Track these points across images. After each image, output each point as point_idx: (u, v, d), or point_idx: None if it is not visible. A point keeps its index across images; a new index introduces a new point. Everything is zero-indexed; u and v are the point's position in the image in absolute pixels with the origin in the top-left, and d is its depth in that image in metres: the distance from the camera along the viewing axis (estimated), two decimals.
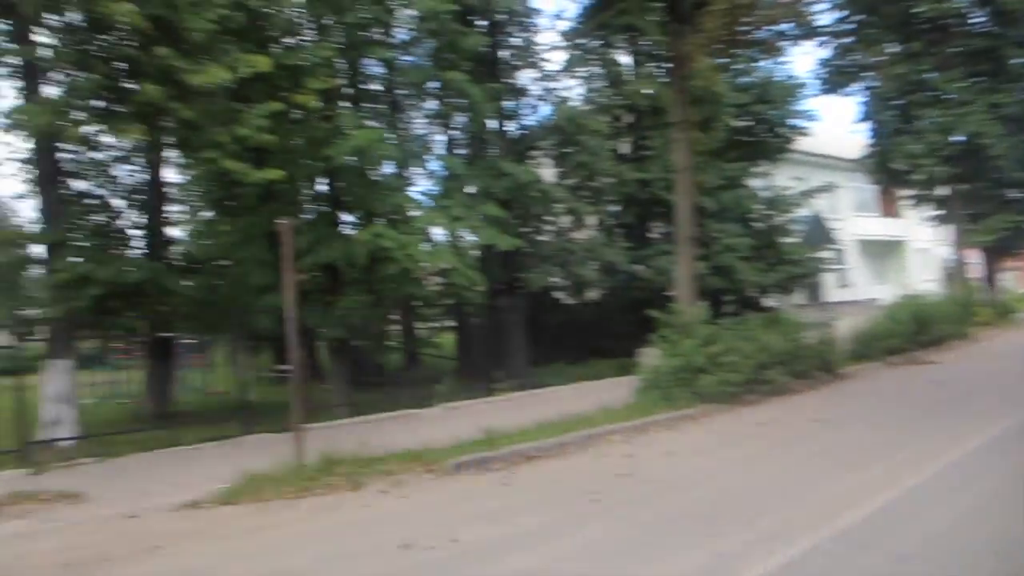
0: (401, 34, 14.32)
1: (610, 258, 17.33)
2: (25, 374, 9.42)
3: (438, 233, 13.62)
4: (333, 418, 10.91)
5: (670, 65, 13.15)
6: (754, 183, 20.38)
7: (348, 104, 12.94)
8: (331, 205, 13.30)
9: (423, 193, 14.91)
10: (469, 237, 14.21)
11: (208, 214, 15.19)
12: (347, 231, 12.91)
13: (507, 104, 16.43)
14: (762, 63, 19.47)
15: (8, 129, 11.55)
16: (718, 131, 17.80)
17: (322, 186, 13.44)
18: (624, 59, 19.53)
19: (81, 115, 9.43)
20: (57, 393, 10.03)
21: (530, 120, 17.40)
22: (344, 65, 12.98)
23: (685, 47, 11.76)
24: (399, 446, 7.95)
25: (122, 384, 14.81)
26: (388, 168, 13.15)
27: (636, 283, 17.59)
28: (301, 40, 11.89)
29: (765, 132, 20.71)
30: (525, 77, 17.31)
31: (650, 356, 11.33)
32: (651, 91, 17.80)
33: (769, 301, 20.05)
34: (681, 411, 10.04)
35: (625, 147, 19.13)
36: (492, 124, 16.11)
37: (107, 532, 5.93)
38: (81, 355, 11.53)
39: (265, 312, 11.26)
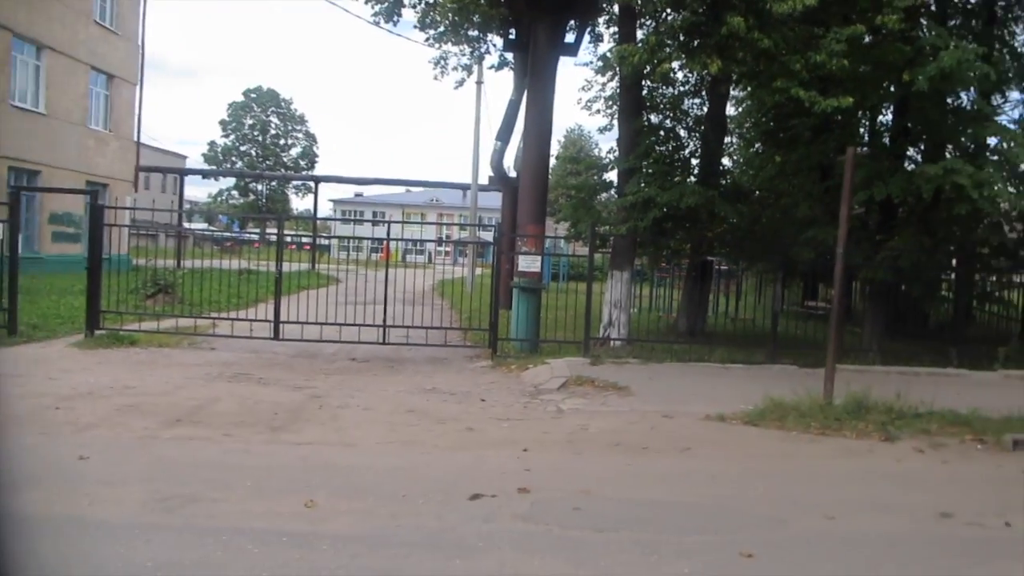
0: None
1: None
2: (593, 280, 11.11)
3: None
4: (864, 363, 10.15)
5: None
6: None
7: (932, 21, 11.26)
8: (895, 136, 11.98)
9: (1015, 122, 12.26)
10: None
11: (758, 146, 15.31)
12: (910, 165, 11.51)
13: None
14: None
15: (599, 70, 13.43)
16: None
17: (886, 115, 12.18)
18: None
19: (669, 51, 10.25)
20: (615, 299, 11.62)
21: None
22: None
23: None
24: (941, 406, 6.97)
25: (663, 300, 16.50)
26: (970, 94, 11.16)
27: None
28: None
29: None
30: None
31: None
32: None
33: None
34: None
35: None
36: None
37: (646, 424, 6.66)
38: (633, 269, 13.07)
39: (805, 245, 10.96)
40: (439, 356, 10.36)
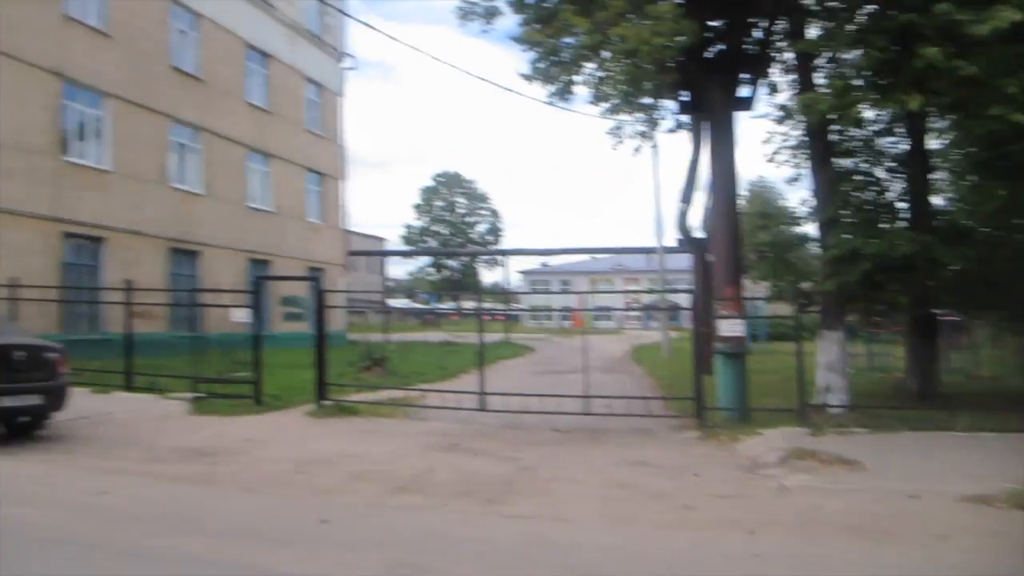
0: None
1: None
2: (801, 341, 10.37)
3: None
4: None
5: None
6: None
7: None
8: None
9: None
10: None
11: (973, 178, 13.80)
12: None
13: None
14: None
15: (781, 120, 12.90)
16: None
17: None
18: None
19: (858, 93, 9.65)
20: (828, 361, 10.74)
21: None
22: None
23: None
24: None
25: (880, 357, 15.01)
26: None
27: None
28: None
29: None
30: None
31: None
32: None
33: None
34: None
35: None
36: None
37: (889, 506, 5.95)
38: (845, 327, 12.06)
39: None
40: (642, 426, 10.09)
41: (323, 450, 8.25)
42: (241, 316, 11.55)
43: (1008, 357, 12.23)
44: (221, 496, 6.25)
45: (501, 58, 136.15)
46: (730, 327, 10.34)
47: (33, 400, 8.53)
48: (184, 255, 21.41)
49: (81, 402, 9.71)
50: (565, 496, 6.35)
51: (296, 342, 23.85)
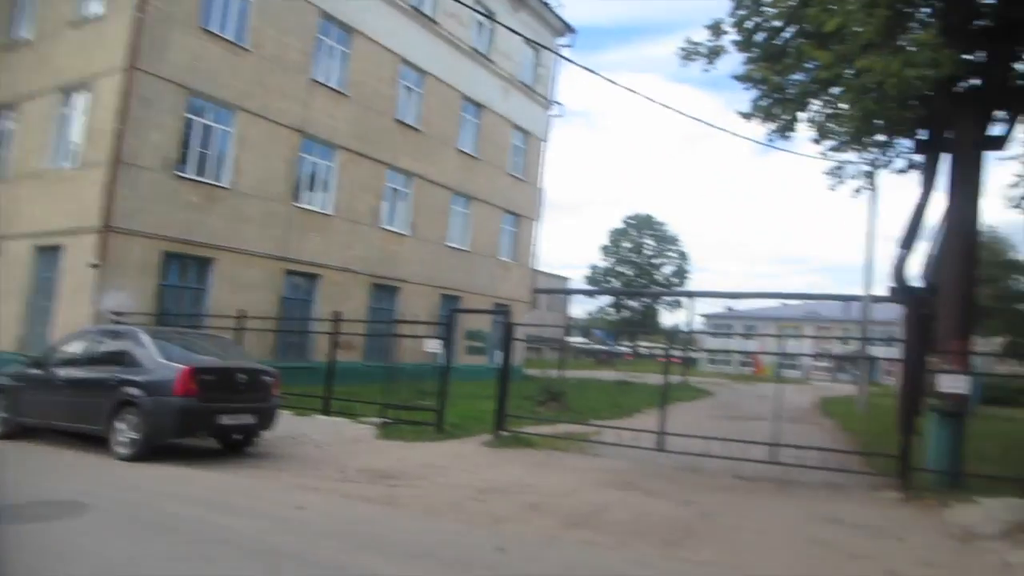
0: None
1: None
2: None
3: None
4: None
5: None
6: None
7: None
8: None
9: None
10: None
11: None
12: None
13: None
14: None
15: None
16: None
17: None
18: None
19: None
20: None
21: None
22: None
23: None
24: None
25: None
26: None
27: None
28: None
29: None
30: None
31: None
32: None
33: None
34: None
35: None
36: None
37: None
38: None
39: None
40: (835, 482, 9.28)
41: (499, 479, 8.41)
42: (433, 347, 12.14)
43: None
44: (403, 517, 6.55)
45: (704, 102, 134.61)
46: (952, 382, 9.27)
47: (248, 419, 9.51)
48: (385, 290, 23.01)
49: (284, 423, 10.65)
50: (751, 547, 5.97)
51: (475, 374, 24.73)
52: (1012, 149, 13.86)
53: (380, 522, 6.35)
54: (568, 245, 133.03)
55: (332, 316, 13.95)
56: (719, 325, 67.89)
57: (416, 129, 23.70)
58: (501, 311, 17.61)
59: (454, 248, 25.97)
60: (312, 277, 20.33)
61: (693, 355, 32.00)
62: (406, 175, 23.54)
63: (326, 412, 13.13)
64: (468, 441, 11.33)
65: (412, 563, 5.08)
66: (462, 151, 26.05)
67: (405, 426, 11.92)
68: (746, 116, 12.03)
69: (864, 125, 10.93)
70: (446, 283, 25.29)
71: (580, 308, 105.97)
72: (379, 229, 22.47)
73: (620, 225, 76.68)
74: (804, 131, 12.06)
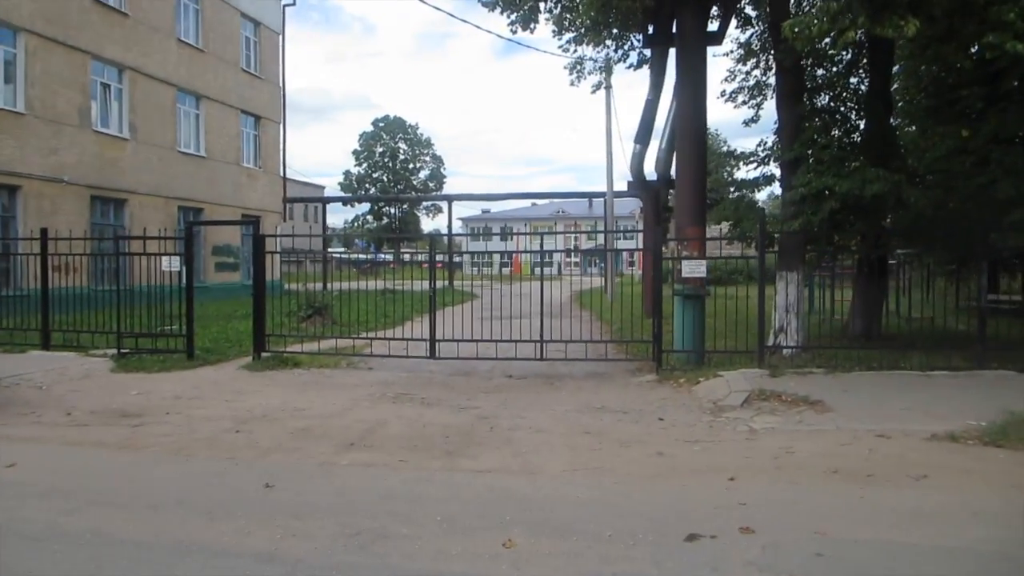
0: None
1: None
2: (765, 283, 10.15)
3: None
4: None
5: None
6: None
7: None
8: None
9: None
10: None
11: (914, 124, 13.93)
12: None
13: None
14: None
15: (742, 59, 12.43)
16: None
17: None
18: None
19: (851, 18, 9.14)
20: (785, 303, 10.65)
21: None
22: None
23: None
24: None
25: (819, 301, 15.17)
26: None
27: None
28: None
29: None
30: None
31: None
32: None
33: None
34: None
35: None
36: None
37: (861, 447, 5.79)
38: None
39: (1011, 231, 9.60)
40: (599, 371, 9.83)
41: (263, 405, 7.67)
42: (172, 264, 10.69)
43: (935, 299, 12.43)
44: (148, 462, 5.64)
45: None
46: (691, 268, 10.06)
47: None
48: (108, 203, 19.95)
49: None
50: (530, 447, 5.98)
51: (229, 292, 22.75)
52: (727, 45, 15.25)
53: (119, 471, 5.39)
54: (320, 152, 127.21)
55: (40, 235, 11.68)
56: (477, 229, 69.77)
57: (122, 12, 20.18)
58: (249, 222, 16.05)
59: (188, 154, 23.13)
60: (11, 189, 16.94)
61: (456, 259, 32.33)
62: (117, 67, 20.17)
63: (45, 347, 11.23)
64: (224, 366, 10.28)
65: (160, 515, 4.31)
66: (184, 41, 22.89)
67: (147, 356, 10.54)
68: (488, 5, 11.76)
69: (599, 16, 11.22)
70: (183, 193, 22.60)
71: (338, 218, 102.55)
72: (91, 131, 19.20)
73: (371, 129, 74.35)
74: (545, 30, 12.14)
